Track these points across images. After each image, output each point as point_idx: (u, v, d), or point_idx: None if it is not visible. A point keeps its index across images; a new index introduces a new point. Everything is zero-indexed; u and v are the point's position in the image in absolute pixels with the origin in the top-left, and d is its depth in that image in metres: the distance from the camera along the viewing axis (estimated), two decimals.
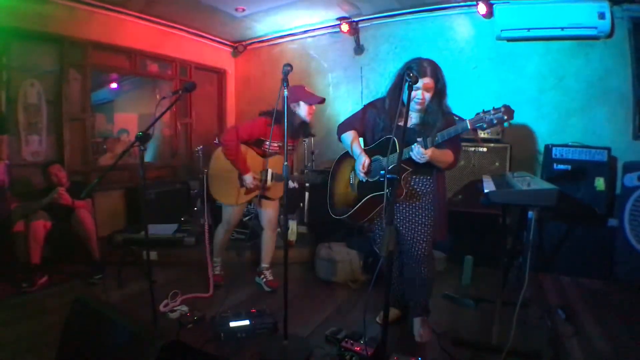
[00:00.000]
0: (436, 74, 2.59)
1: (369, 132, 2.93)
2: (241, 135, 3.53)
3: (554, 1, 4.60)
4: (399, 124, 2.68)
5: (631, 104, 4.59)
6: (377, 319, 3.19)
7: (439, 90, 2.63)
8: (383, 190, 2.49)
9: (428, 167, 2.68)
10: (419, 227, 2.85)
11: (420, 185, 2.85)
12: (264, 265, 4.05)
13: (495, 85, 5.19)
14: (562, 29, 4.62)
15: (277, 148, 3.66)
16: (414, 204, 2.85)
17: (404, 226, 2.89)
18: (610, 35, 4.60)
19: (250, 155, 3.65)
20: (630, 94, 4.59)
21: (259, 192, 3.67)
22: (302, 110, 3.55)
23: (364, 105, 3.00)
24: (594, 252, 4.17)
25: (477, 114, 2.34)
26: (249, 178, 3.57)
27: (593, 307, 3.53)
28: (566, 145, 4.44)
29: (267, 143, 3.58)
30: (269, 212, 3.95)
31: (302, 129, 3.68)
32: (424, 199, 2.84)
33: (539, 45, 4.96)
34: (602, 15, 4.43)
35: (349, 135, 2.97)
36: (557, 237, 4.30)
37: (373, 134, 2.89)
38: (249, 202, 4.00)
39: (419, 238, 2.85)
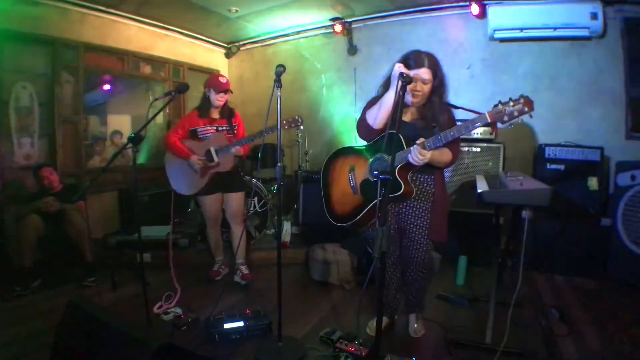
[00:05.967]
0: (434, 66, 2.51)
1: None
2: (175, 131, 3.91)
3: (546, 2, 4.62)
4: (402, 119, 2.62)
5: (624, 104, 4.62)
6: (367, 330, 3.09)
7: (438, 84, 2.55)
8: (395, 192, 2.46)
9: (429, 165, 2.57)
10: (421, 229, 2.78)
11: (423, 184, 2.75)
12: (239, 260, 4.16)
13: (489, 85, 5.21)
14: (555, 29, 4.64)
15: (212, 130, 3.91)
16: (416, 204, 2.76)
17: (407, 228, 2.81)
18: (602, 35, 4.62)
19: (194, 146, 3.86)
20: (623, 93, 4.61)
21: (212, 170, 3.84)
22: (212, 96, 3.87)
23: (369, 101, 2.78)
24: (588, 252, 4.17)
25: (495, 105, 2.22)
26: (193, 160, 3.77)
27: (587, 307, 3.53)
28: (559, 145, 4.47)
29: (199, 129, 3.89)
30: (232, 204, 4.06)
31: (226, 110, 4.03)
32: (426, 199, 2.75)
33: (532, 45, 4.98)
34: (594, 16, 4.45)
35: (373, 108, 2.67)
36: (550, 236, 4.31)
37: None
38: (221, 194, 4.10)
39: (421, 238, 2.79)
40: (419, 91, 2.53)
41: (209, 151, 3.80)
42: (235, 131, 4.02)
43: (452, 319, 3.33)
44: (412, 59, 2.51)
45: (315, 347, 2.85)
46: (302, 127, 3.68)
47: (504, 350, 2.56)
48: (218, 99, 3.86)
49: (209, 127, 3.90)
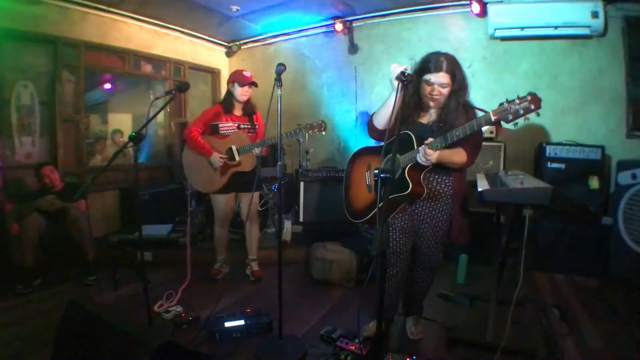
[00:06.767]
0: (453, 69, 2.47)
1: None
2: (196, 125, 3.88)
3: (547, 0, 4.61)
4: (416, 119, 2.64)
5: (624, 103, 4.61)
6: (364, 333, 2.98)
7: (457, 87, 2.51)
8: (403, 191, 2.45)
9: (445, 166, 2.55)
10: (436, 231, 2.75)
11: (440, 185, 2.70)
12: (251, 257, 4.22)
13: (490, 84, 5.19)
14: (556, 28, 4.63)
15: (234, 127, 3.93)
16: (432, 205, 2.71)
17: (421, 229, 2.77)
18: (603, 34, 4.62)
19: (214, 142, 3.86)
20: (624, 92, 4.60)
21: (233, 169, 3.86)
22: (236, 90, 3.87)
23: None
24: (589, 251, 4.18)
25: (501, 104, 2.15)
26: (214, 158, 3.78)
27: (587, 305, 3.54)
28: (560, 144, 4.45)
29: (221, 125, 3.89)
30: (248, 204, 4.03)
31: (249, 107, 4.03)
32: (442, 200, 2.71)
33: (533, 44, 4.97)
34: (595, 14, 4.44)
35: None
36: (551, 235, 4.31)
37: None
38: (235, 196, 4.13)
39: (435, 241, 2.78)
40: (436, 94, 2.51)
41: (230, 149, 3.81)
42: (256, 130, 4.03)
43: (453, 317, 3.33)
44: (432, 62, 2.47)
45: (315, 346, 2.84)
46: (324, 133, 3.67)
47: (504, 348, 2.56)
48: (243, 93, 3.87)
49: (231, 124, 3.91)
